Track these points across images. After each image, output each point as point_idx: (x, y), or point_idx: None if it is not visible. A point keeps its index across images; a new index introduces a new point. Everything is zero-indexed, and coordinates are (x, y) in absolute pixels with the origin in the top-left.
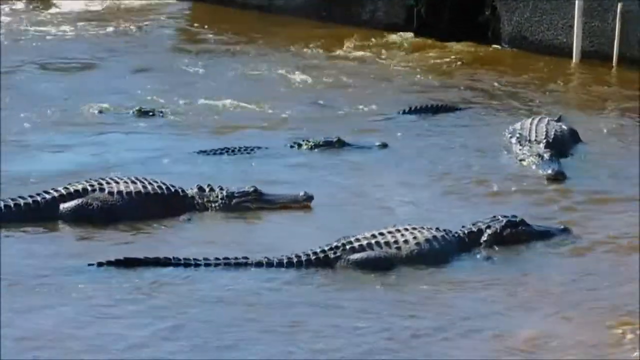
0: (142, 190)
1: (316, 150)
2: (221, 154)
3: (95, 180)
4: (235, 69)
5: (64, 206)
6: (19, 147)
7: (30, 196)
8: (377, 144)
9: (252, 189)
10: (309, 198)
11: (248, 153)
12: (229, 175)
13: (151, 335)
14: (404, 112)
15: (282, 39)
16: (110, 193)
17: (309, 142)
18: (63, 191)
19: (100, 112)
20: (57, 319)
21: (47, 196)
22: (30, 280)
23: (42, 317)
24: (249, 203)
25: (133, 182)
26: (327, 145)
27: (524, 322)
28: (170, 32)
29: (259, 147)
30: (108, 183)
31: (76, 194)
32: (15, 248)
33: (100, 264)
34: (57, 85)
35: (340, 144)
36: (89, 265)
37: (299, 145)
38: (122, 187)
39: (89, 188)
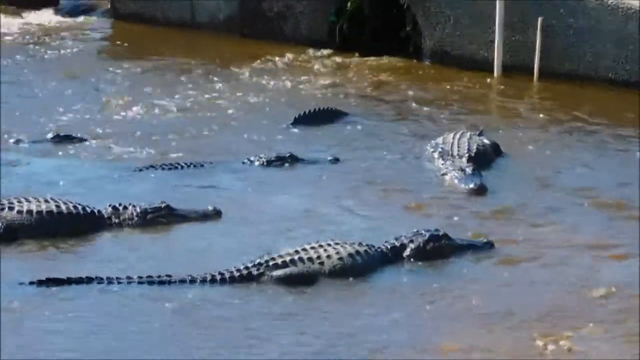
0: (55, 209)
1: (269, 166)
2: (170, 169)
3: (7, 199)
4: (157, 87)
5: None
6: None
7: None
8: (329, 158)
9: (163, 205)
10: (218, 213)
11: (197, 168)
12: (181, 192)
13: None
14: (295, 120)
15: (203, 56)
16: (20, 212)
17: (262, 157)
18: None
19: (17, 142)
20: None
21: None
22: None
23: None
24: (162, 218)
25: (46, 201)
26: (280, 160)
27: (446, 335)
28: (90, 51)
29: (210, 163)
30: (19, 202)
31: None
32: None
33: (21, 284)
34: None
35: (293, 159)
36: (20, 284)
37: (251, 162)
38: (32, 207)
39: None
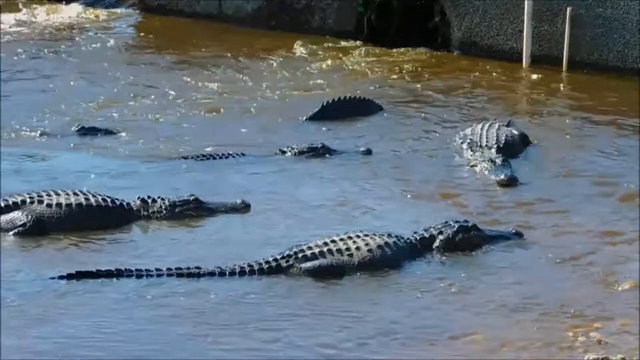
0: (84, 202)
1: (301, 156)
2: (201, 160)
3: (36, 193)
4: (184, 80)
5: (0, 218)
6: None
7: None
8: (361, 149)
9: (192, 198)
10: (247, 206)
11: (228, 159)
12: (210, 183)
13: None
14: (314, 116)
15: (231, 48)
16: (49, 205)
17: (294, 148)
18: (2, 203)
19: (43, 134)
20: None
21: None
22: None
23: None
24: (191, 211)
25: (75, 194)
26: (312, 151)
27: (475, 326)
28: (117, 44)
29: (243, 154)
30: (48, 195)
31: (14, 206)
32: None
33: (52, 278)
34: None
35: (325, 150)
36: (51, 278)
37: (283, 152)
38: (62, 200)
39: (28, 200)
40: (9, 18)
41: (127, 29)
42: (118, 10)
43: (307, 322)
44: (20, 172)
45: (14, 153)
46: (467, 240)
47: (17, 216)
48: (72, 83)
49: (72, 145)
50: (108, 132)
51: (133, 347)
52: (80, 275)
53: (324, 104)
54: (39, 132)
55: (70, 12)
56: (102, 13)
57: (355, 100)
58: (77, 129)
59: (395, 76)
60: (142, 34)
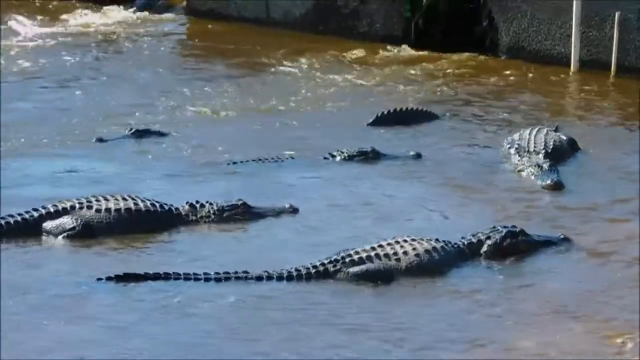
0: (133, 207)
1: (351, 160)
2: (252, 163)
3: (85, 198)
4: (233, 83)
5: (49, 223)
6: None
7: (19, 214)
8: (411, 153)
9: (240, 202)
10: (295, 210)
11: (278, 162)
12: (259, 187)
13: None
14: (380, 116)
15: (279, 52)
16: (98, 210)
17: (343, 152)
18: (51, 209)
19: (100, 140)
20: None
21: (35, 214)
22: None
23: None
24: (239, 216)
25: (124, 199)
26: (361, 155)
27: (523, 333)
28: (166, 48)
29: (292, 158)
30: (97, 201)
31: (63, 212)
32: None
33: (99, 279)
34: (48, 105)
35: (375, 154)
36: (98, 280)
37: (333, 156)
38: (111, 205)
39: (77, 205)
40: (60, 22)
41: (176, 34)
42: (167, 15)
43: (355, 328)
44: (74, 177)
45: (68, 157)
46: (514, 245)
47: (66, 221)
48: (121, 87)
49: (125, 149)
50: (161, 135)
51: (179, 351)
52: (128, 278)
53: (379, 115)
54: (93, 137)
55: (120, 17)
56: (151, 18)
57: (413, 112)
58: (130, 132)
59: (442, 81)
60: (190, 38)
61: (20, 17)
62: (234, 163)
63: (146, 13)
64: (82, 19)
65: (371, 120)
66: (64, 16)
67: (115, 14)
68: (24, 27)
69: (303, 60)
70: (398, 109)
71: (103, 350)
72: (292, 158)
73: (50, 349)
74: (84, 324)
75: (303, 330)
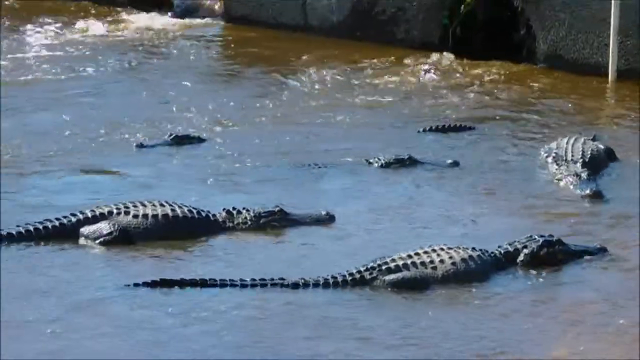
0: (170, 213)
1: (388, 167)
2: (291, 170)
3: (122, 204)
4: (270, 90)
5: (87, 228)
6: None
7: (57, 218)
8: (449, 162)
9: (277, 209)
10: (332, 217)
11: (318, 169)
12: (296, 194)
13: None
14: (423, 131)
15: (317, 59)
16: (135, 216)
17: (380, 159)
18: (89, 214)
19: (140, 145)
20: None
21: (73, 218)
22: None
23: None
24: (276, 222)
25: (161, 205)
26: (398, 162)
27: (557, 343)
28: (202, 54)
29: (331, 165)
30: (135, 206)
31: (101, 217)
32: (46, 269)
33: (136, 285)
34: (85, 111)
35: (412, 161)
36: (126, 285)
37: (370, 163)
38: (148, 211)
39: (115, 211)
40: (95, 28)
41: (213, 40)
42: (203, 21)
43: (391, 336)
44: (113, 183)
45: (107, 163)
46: (551, 254)
47: (103, 226)
48: (158, 94)
49: (165, 154)
50: (200, 141)
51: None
52: (164, 283)
53: (420, 130)
54: (134, 143)
55: (156, 23)
56: (188, 23)
57: (453, 127)
58: (170, 138)
59: (479, 88)
60: (226, 45)
61: (52, 21)
62: (270, 167)
63: (183, 19)
64: (118, 24)
65: (418, 130)
66: (100, 21)
67: (152, 19)
68: (58, 32)
69: (339, 66)
70: (440, 126)
71: (141, 355)
72: (328, 166)
73: (85, 354)
74: (118, 329)
75: (334, 337)
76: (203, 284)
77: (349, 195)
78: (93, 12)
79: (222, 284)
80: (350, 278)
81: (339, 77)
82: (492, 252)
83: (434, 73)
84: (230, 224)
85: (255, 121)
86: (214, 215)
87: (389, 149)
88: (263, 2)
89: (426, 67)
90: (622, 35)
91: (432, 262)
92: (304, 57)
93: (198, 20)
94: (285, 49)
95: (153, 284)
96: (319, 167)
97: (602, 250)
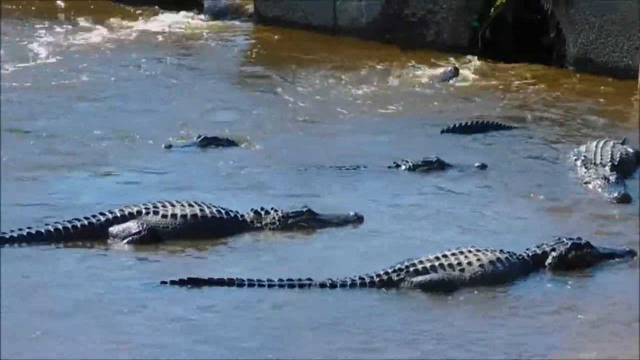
0: (199, 213)
1: (415, 170)
2: (319, 171)
3: (151, 203)
4: (299, 92)
5: (115, 228)
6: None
7: (85, 217)
8: (477, 164)
9: (305, 209)
10: (360, 218)
11: (347, 171)
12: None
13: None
14: (447, 130)
15: (346, 60)
16: (164, 216)
17: (408, 162)
18: (117, 213)
19: (169, 146)
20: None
21: (102, 218)
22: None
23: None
24: (303, 223)
25: (190, 205)
26: (426, 165)
27: (584, 346)
28: (232, 55)
29: (357, 167)
30: (164, 206)
31: (130, 216)
32: (76, 267)
33: (163, 283)
34: (115, 112)
35: (440, 164)
36: (162, 283)
37: (397, 166)
38: (177, 211)
39: (143, 211)
40: (126, 29)
41: (243, 41)
42: (234, 23)
43: (420, 338)
44: (141, 183)
45: (136, 164)
46: (579, 257)
47: (132, 225)
48: (187, 95)
49: (193, 155)
50: (229, 143)
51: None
52: (193, 282)
53: (449, 127)
54: (162, 144)
55: (186, 24)
56: (218, 25)
57: (481, 125)
58: (199, 139)
59: (508, 91)
60: (257, 45)
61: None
62: (300, 169)
63: (214, 20)
64: (148, 24)
65: (442, 130)
66: (129, 22)
67: (183, 20)
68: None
69: (369, 68)
70: (468, 123)
71: (173, 352)
72: (357, 167)
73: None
74: (149, 327)
75: (362, 338)
76: (231, 283)
77: (377, 196)
78: (124, 13)
79: (250, 284)
80: (377, 279)
81: (367, 79)
82: (520, 255)
83: (462, 75)
84: (259, 224)
85: (285, 124)
86: (242, 215)
87: (416, 151)
88: (294, 3)
89: (454, 69)
90: None
91: (459, 264)
92: (334, 59)
93: (229, 22)
94: (316, 50)
95: (182, 283)
96: (347, 169)
97: (631, 253)
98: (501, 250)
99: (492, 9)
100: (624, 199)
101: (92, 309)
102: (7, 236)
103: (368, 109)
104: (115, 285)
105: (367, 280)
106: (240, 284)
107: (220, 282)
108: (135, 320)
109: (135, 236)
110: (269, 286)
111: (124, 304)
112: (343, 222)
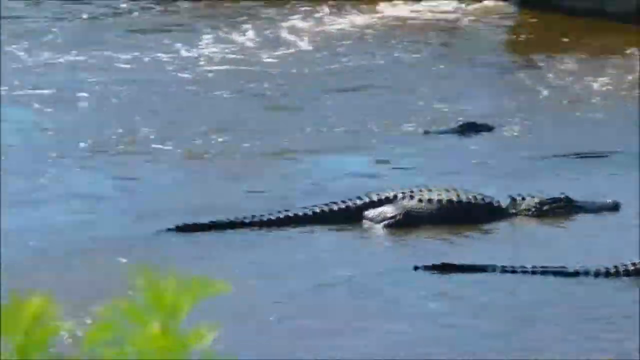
0: (454, 199)
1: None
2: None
3: (408, 188)
4: (556, 80)
5: (371, 211)
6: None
7: (342, 201)
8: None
9: (563, 196)
10: (617, 206)
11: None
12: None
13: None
14: None
15: (611, 49)
16: (420, 201)
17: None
18: (374, 197)
19: (427, 132)
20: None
21: (358, 201)
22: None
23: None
24: (560, 209)
25: (446, 191)
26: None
27: None
28: (490, 41)
29: (609, 154)
30: (420, 191)
31: (386, 201)
32: (335, 250)
33: (417, 268)
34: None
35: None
36: (416, 268)
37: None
38: (433, 196)
39: (400, 195)
40: (373, 12)
41: (503, 26)
42: (494, 4)
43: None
44: (396, 168)
45: (392, 149)
46: None
47: (388, 210)
48: (447, 79)
49: (451, 141)
50: (488, 129)
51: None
52: (446, 268)
53: None
54: (421, 130)
55: (445, 7)
56: (478, 8)
57: None
58: (458, 125)
59: None
60: (513, 31)
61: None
62: (558, 156)
63: (473, 2)
64: (397, 10)
65: None
66: (379, 6)
67: (437, 3)
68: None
69: (629, 55)
70: None
71: (440, 343)
72: (608, 154)
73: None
74: (408, 315)
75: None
76: (483, 269)
77: (633, 185)
78: None
79: (503, 270)
80: (632, 268)
81: (627, 66)
82: None
83: None
84: (514, 211)
85: (541, 110)
86: (497, 201)
87: None
88: None
89: None
90: None
91: None
92: (596, 44)
93: (488, 3)
94: (576, 35)
95: (435, 268)
96: (599, 157)
97: None
98: None
99: None
100: None
101: (340, 292)
102: (273, 218)
103: (624, 96)
104: (370, 269)
105: (622, 269)
106: (493, 270)
107: (473, 269)
108: (390, 306)
109: (391, 220)
110: (523, 273)
111: (378, 288)
112: (600, 209)
